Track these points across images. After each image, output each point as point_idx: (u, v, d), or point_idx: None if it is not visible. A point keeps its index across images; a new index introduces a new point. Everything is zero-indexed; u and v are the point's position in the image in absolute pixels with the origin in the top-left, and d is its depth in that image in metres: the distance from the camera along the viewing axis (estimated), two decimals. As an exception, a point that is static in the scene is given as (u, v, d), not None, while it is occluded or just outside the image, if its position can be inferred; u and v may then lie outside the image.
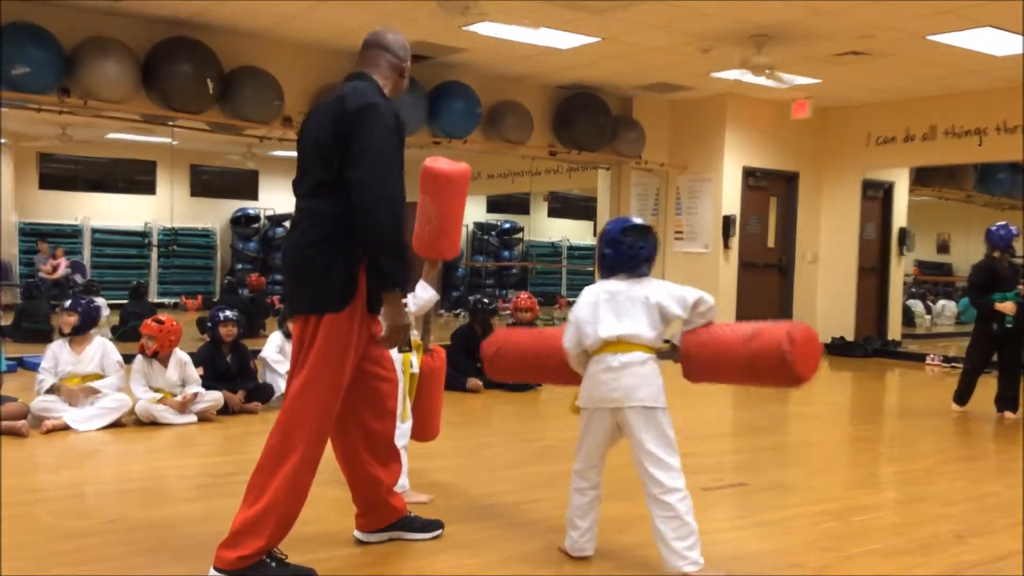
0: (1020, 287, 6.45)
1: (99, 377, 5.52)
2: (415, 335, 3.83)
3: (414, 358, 3.85)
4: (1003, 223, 6.70)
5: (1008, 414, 6.55)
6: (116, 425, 5.39)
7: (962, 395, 6.76)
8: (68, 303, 5.66)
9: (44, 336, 8.74)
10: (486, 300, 7.85)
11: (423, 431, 4.03)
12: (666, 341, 3.14)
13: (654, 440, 2.99)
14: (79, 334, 5.55)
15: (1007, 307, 6.45)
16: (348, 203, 2.83)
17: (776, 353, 2.87)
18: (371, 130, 2.82)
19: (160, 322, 5.71)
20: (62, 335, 5.62)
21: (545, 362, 3.33)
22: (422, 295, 3.69)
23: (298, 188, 2.99)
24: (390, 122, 2.87)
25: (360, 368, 3.06)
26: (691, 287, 3.14)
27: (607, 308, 3.08)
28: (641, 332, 3.05)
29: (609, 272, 3.18)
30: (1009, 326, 6.48)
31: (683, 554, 2.93)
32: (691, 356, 3.08)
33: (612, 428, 3.09)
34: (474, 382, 7.12)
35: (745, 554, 3.37)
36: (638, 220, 3.25)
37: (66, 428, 5.22)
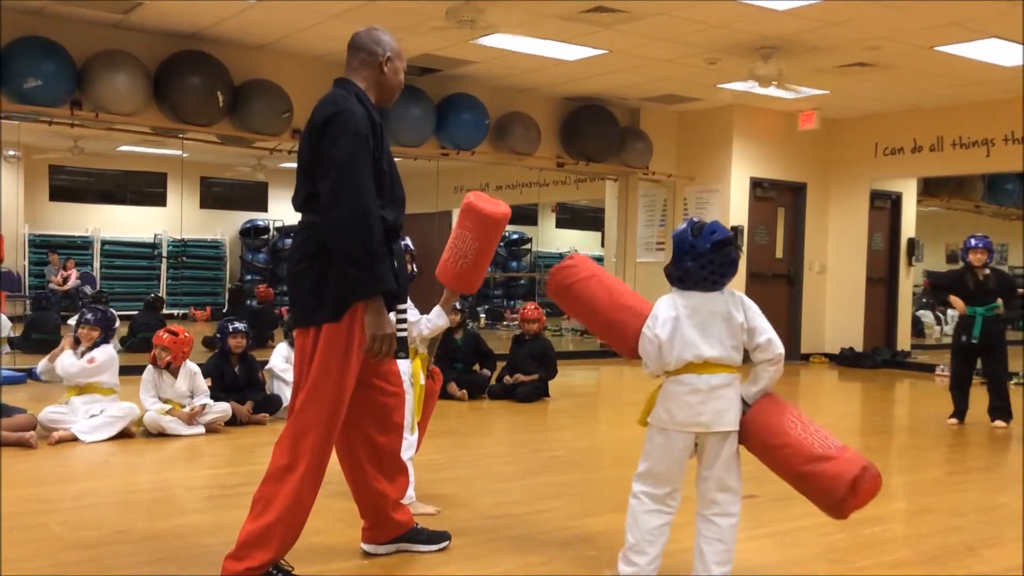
0: (999, 302, 6.45)
1: (110, 391, 5.54)
2: (422, 349, 3.85)
3: (421, 371, 3.87)
4: (974, 235, 6.71)
5: (1000, 423, 6.54)
6: (125, 436, 5.41)
7: (957, 411, 6.72)
8: (89, 317, 5.60)
9: (53, 347, 8.76)
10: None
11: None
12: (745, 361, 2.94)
13: (729, 464, 2.90)
14: (99, 346, 5.57)
15: (957, 304, 6.54)
16: (322, 213, 2.83)
17: (831, 492, 2.76)
18: (333, 140, 2.80)
19: (174, 333, 5.73)
20: (79, 346, 5.60)
21: (607, 316, 3.05)
22: (436, 321, 3.73)
23: (295, 202, 3.01)
24: (352, 129, 2.80)
25: (366, 382, 3.06)
26: (768, 324, 2.93)
27: (689, 326, 2.87)
28: (729, 354, 2.88)
29: (689, 286, 2.92)
30: (974, 341, 6.50)
31: None
32: (750, 434, 2.90)
33: (691, 449, 2.92)
34: (453, 387, 7.14)
35: (754, 566, 3.36)
36: (723, 226, 2.93)
37: (74, 439, 5.24)
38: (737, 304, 2.92)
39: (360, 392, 3.04)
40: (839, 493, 2.76)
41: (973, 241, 6.56)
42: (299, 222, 3.02)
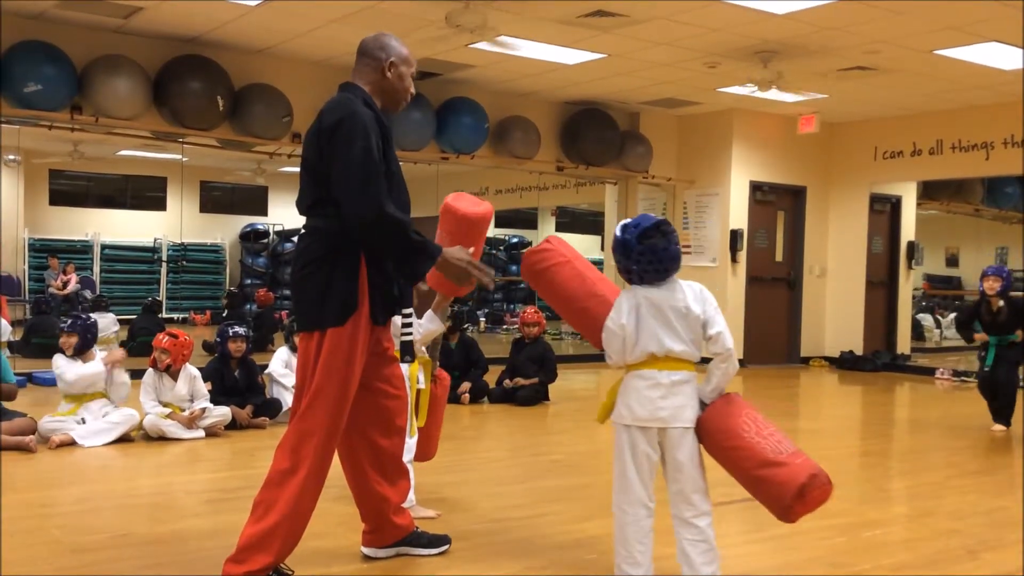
0: (1018, 334, 6.46)
1: (103, 395, 5.53)
2: (423, 352, 3.85)
3: (420, 374, 3.87)
4: (991, 265, 6.73)
5: (999, 427, 6.58)
6: (124, 440, 5.41)
7: (993, 412, 6.73)
8: (66, 324, 5.61)
9: (54, 352, 8.76)
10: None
11: (420, 452, 4.05)
12: (704, 360, 2.96)
13: (694, 462, 2.90)
14: (81, 353, 5.57)
15: (981, 337, 6.60)
16: (343, 219, 2.86)
17: (778, 498, 2.78)
18: (346, 146, 2.82)
19: (174, 336, 5.75)
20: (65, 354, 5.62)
21: (578, 304, 3.08)
22: (428, 326, 3.71)
23: (300, 207, 3.02)
24: (363, 132, 2.83)
25: (369, 385, 3.07)
26: (722, 319, 2.93)
27: (651, 318, 2.88)
28: (689, 349, 2.89)
29: (638, 282, 2.95)
30: (987, 369, 6.55)
31: None
32: (706, 434, 2.91)
33: (656, 447, 2.91)
34: (466, 397, 7.20)
35: (754, 570, 3.35)
36: (651, 217, 2.97)
37: (73, 443, 5.23)
38: (699, 297, 2.94)
39: (363, 395, 3.04)
40: (786, 500, 2.77)
41: (990, 270, 6.62)
42: (304, 225, 3.02)
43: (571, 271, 3.10)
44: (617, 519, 2.95)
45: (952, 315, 14.89)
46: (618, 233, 2.97)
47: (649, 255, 2.89)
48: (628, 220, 3.01)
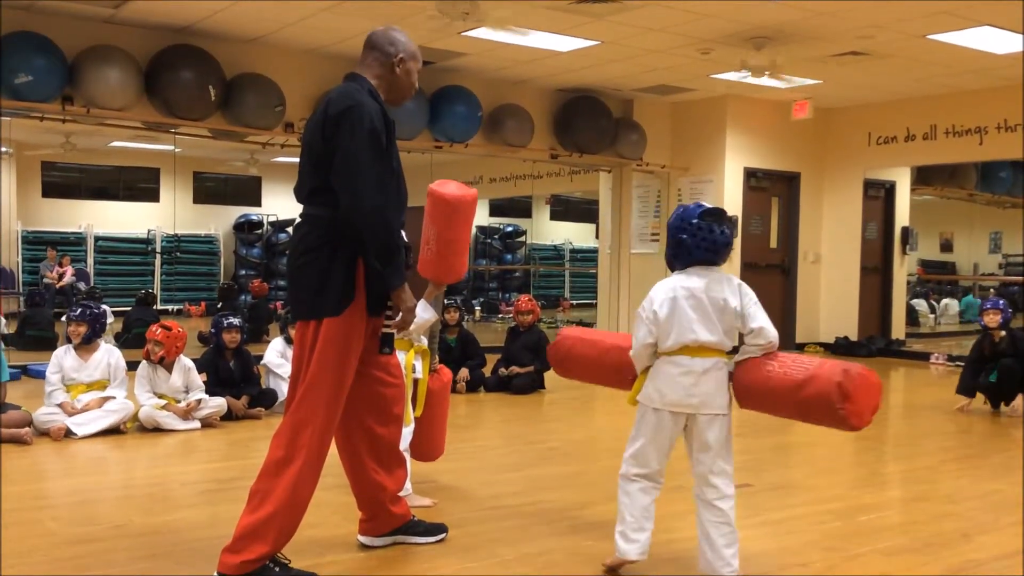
0: None
1: (105, 384, 5.54)
2: (413, 337, 3.83)
3: (417, 363, 3.85)
4: (990, 298, 6.75)
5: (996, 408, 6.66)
6: (120, 432, 5.41)
7: (964, 387, 6.78)
8: (76, 313, 5.62)
9: (48, 344, 8.77)
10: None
11: (427, 451, 4.03)
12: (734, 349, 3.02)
13: (721, 447, 2.96)
14: (89, 343, 5.58)
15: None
16: (340, 207, 2.84)
17: (827, 407, 2.74)
18: (350, 136, 2.81)
19: (167, 328, 5.74)
20: (69, 343, 5.62)
21: (606, 368, 3.29)
22: (422, 315, 3.67)
23: (298, 194, 3.00)
24: (369, 123, 2.82)
25: (366, 374, 3.07)
26: (762, 311, 2.98)
27: (688, 308, 2.92)
28: (723, 340, 2.94)
29: (684, 262, 3.00)
30: (991, 380, 6.59)
31: (729, 561, 2.94)
32: (742, 390, 2.97)
33: (680, 429, 2.99)
34: (462, 386, 7.19)
35: (750, 554, 3.36)
36: (711, 205, 3.08)
37: (69, 433, 5.23)
38: (735, 290, 2.98)
39: (360, 383, 3.04)
40: (834, 404, 2.73)
41: (988, 304, 6.70)
42: (301, 213, 3.00)
43: (583, 344, 3.41)
44: (625, 486, 3.04)
45: (946, 301, 14.97)
46: (680, 211, 3.06)
47: (707, 229, 2.97)
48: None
